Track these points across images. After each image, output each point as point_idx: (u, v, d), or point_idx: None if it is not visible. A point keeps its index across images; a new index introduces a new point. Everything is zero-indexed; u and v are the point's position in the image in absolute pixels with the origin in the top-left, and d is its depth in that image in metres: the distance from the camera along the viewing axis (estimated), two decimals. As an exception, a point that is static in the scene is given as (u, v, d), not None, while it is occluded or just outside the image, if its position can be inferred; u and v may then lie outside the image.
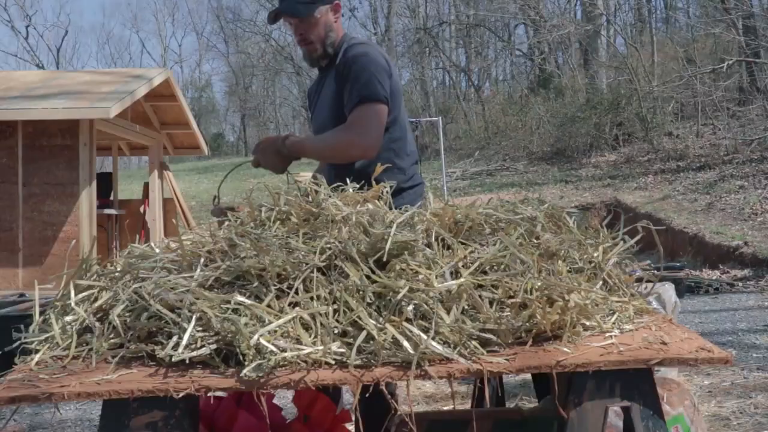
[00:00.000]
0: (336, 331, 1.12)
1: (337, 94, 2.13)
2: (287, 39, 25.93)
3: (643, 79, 15.56)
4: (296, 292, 1.17)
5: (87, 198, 6.54)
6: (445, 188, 10.40)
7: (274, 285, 1.18)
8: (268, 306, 1.13)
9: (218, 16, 36.57)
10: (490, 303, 1.16)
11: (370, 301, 1.15)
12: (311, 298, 1.16)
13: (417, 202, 2.18)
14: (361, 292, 1.16)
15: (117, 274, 1.31)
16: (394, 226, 1.26)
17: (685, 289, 6.71)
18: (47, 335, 1.21)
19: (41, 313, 1.27)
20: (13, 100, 6.62)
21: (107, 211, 8.24)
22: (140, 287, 1.20)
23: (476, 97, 23.45)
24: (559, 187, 13.44)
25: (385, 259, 1.21)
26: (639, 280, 1.44)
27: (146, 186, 8.52)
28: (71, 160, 6.53)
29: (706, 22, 15.61)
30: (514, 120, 18.30)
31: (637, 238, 1.40)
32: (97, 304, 1.23)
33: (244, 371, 1.04)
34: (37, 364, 1.15)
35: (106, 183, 8.50)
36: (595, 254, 1.36)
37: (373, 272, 1.19)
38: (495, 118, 19.63)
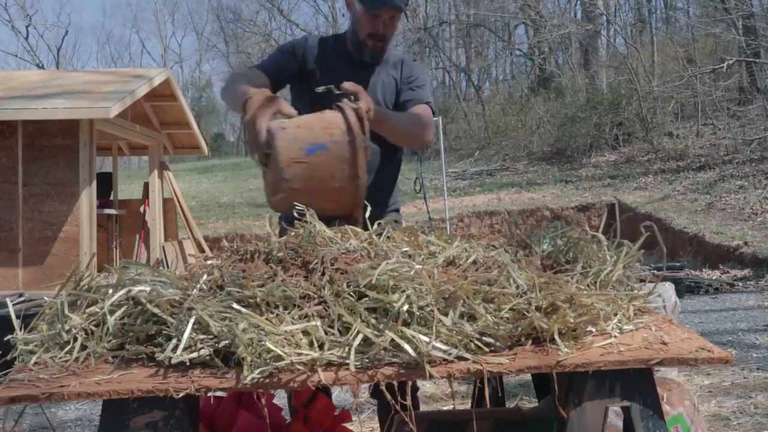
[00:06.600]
0: (335, 337, 1.11)
1: (395, 88, 2.22)
2: (287, 39, 25.90)
3: (643, 79, 15.57)
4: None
5: (87, 198, 6.54)
6: (445, 188, 10.38)
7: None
8: (267, 319, 1.12)
9: (218, 16, 36.55)
10: (486, 310, 1.15)
11: (364, 319, 1.13)
12: (306, 315, 1.14)
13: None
14: (354, 312, 1.14)
15: (112, 285, 1.29)
16: (383, 264, 1.21)
17: (685, 289, 6.71)
18: (43, 338, 1.20)
19: (38, 316, 1.26)
20: (13, 100, 6.62)
21: (107, 211, 8.24)
22: (138, 292, 1.20)
23: (476, 97, 23.45)
24: (559, 187, 13.43)
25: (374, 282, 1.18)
26: (640, 280, 1.44)
27: (146, 186, 8.51)
28: (71, 160, 6.53)
29: (706, 22, 15.62)
30: (514, 120, 18.30)
31: (640, 242, 1.39)
32: (92, 308, 1.23)
33: (246, 378, 1.03)
34: (36, 364, 1.14)
35: (106, 183, 8.49)
36: (606, 271, 1.33)
37: (364, 295, 1.17)
38: (495, 118, 19.62)
